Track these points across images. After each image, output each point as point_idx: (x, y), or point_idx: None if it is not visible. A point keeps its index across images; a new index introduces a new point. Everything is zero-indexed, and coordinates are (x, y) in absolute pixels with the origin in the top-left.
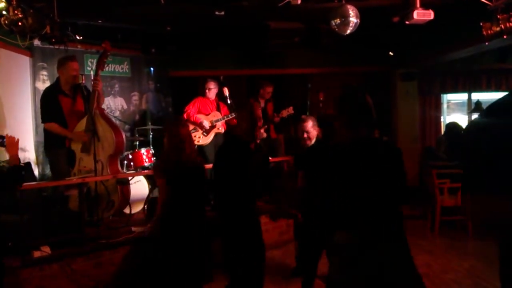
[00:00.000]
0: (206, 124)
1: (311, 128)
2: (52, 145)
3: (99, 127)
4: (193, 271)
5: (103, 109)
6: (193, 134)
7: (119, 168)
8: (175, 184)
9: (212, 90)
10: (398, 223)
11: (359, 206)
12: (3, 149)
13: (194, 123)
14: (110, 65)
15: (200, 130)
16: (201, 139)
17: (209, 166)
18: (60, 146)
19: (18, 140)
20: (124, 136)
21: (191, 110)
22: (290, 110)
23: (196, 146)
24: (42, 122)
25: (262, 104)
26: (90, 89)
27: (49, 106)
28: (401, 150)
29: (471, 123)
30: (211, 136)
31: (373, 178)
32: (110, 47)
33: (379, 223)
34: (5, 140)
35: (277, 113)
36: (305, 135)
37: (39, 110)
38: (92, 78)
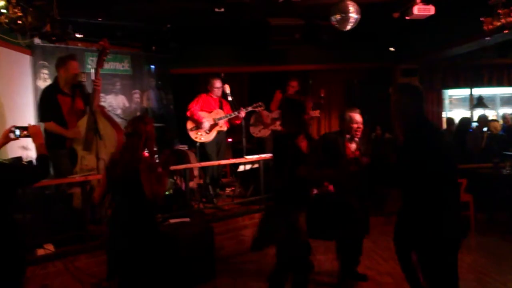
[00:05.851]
0: (207, 125)
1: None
2: (52, 145)
3: (101, 125)
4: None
5: (104, 107)
6: (195, 132)
7: None
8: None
9: (219, 89)
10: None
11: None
12: (4, 147)
13: (196, 121)
14: (111, 63)
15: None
16: (203, 136)
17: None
18: (60, 146)
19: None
20: None
21: (195, 107)
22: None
23: (198, 144)
24: (41, 121)
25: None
26: (90, 87)
27: (48, 106)
28: (287, 142)
29: None
30: (213, 133)
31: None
32: (108, 44)
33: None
34: (28, 130)
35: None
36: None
37: None
38: (92, 76)
